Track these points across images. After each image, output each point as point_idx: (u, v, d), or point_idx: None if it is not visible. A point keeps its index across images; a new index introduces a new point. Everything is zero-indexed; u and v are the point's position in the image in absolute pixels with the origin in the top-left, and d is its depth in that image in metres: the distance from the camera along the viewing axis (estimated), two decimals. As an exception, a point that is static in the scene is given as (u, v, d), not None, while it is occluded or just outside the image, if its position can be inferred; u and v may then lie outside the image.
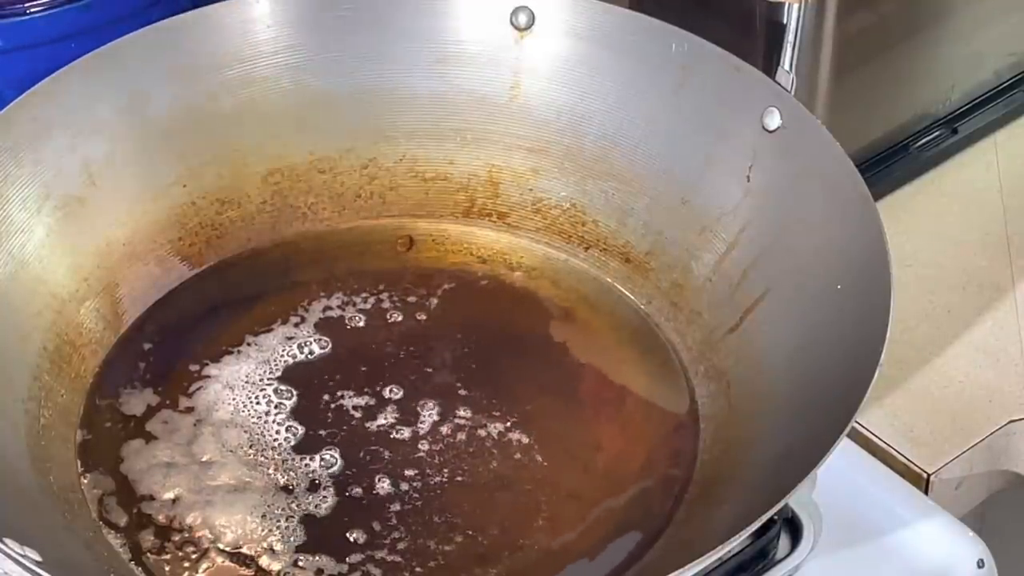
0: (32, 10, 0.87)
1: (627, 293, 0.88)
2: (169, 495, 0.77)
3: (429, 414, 0.80)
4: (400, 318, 0.86)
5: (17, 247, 0.81)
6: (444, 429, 0.80)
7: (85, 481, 0.77)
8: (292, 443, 0.79)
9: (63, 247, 0.83)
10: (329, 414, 0.80)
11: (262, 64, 0.89)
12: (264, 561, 0.74)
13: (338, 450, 0.78)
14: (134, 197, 0.86)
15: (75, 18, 0.88)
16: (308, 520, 0.76)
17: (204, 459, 0.78)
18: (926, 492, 0.86)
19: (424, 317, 0.86)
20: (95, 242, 0.84)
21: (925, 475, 0.86)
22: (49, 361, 0.80)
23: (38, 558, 0.66)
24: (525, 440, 0.80)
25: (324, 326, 0.85)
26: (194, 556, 0.74)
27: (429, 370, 0.83)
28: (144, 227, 0.86)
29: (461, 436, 0.80)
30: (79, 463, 0.78)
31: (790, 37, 0.83)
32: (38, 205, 0.82)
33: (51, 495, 0.75)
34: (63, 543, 0.72)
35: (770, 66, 0.84)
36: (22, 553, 0.65)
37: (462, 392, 0.82)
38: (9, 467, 0.74)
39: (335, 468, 0.78)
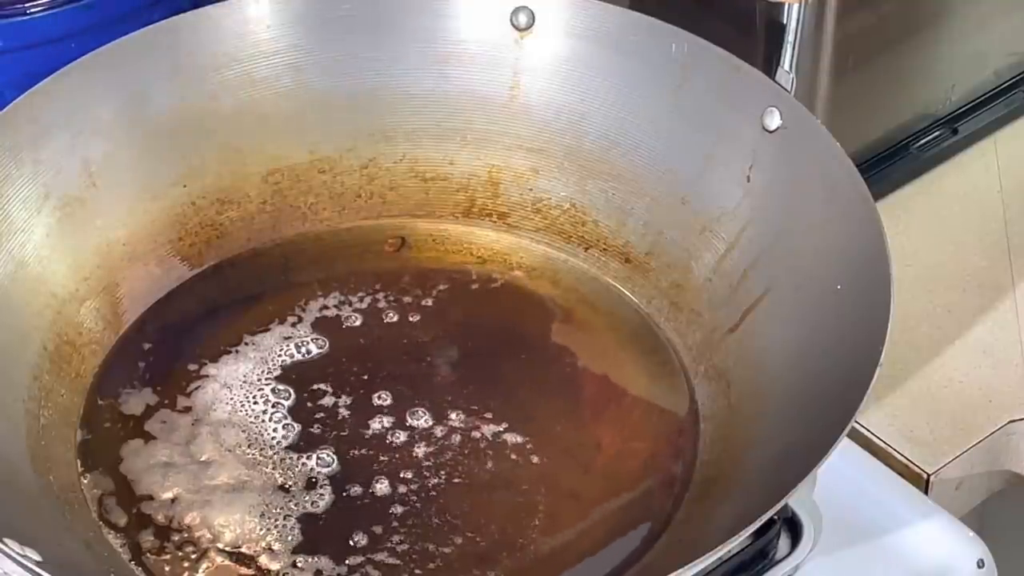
0: (32, 10, 0.87)
1: (627, 293, 0.88)
2: (168, 495, 0.77)
3: (427, 415, 0.80)
4: (398, 318, 0.86)
5: (17, 247, 0.81)
6: (442, 430, 0.80)
7: (85, 481, 0.77)
8: (289, 442, 0.79)
9: (63, 247, 0.83)
10: (326, 414, 0.80)
11: (262, 64, 0.89)
12: (263, 561, 0.74)
13: (335, 449, 0.78)
14: (134, 197, 0.86)
15: (75, 18, 0.88)
16: (306, 520, 0.76)
17: (203, 459, 0.78)
18: (926, 492, 0.86)
19: (423, 317, 0.86)
20: (95, 242, 0.84)
21: (925, 475, 0.86)
22: (49, 361, 0.80)
23: (38, 558, 0.66)
24: (524, 441, 0.80)
25: (321, 326, 0.85)
26: (194, 556, 0.74)
27: (427, 370, 0.83)
28: (144, 227, 0.86)
29: (460, 437, 0.80)
30: (79, 463, 0.78)
31: (790, 37, 0.83)
32: (38, 205, 0.82)
33: (51, 495, 0.75)
34: (63, 543, 0.72)
35: (770, 66, 0.84)
36: (22, 553, 0.65)
37: (460, 392, 0.82)
38: (9, 467, 0.74)
39: (332, 468, 0.78)
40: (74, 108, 0.83)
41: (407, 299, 0.87)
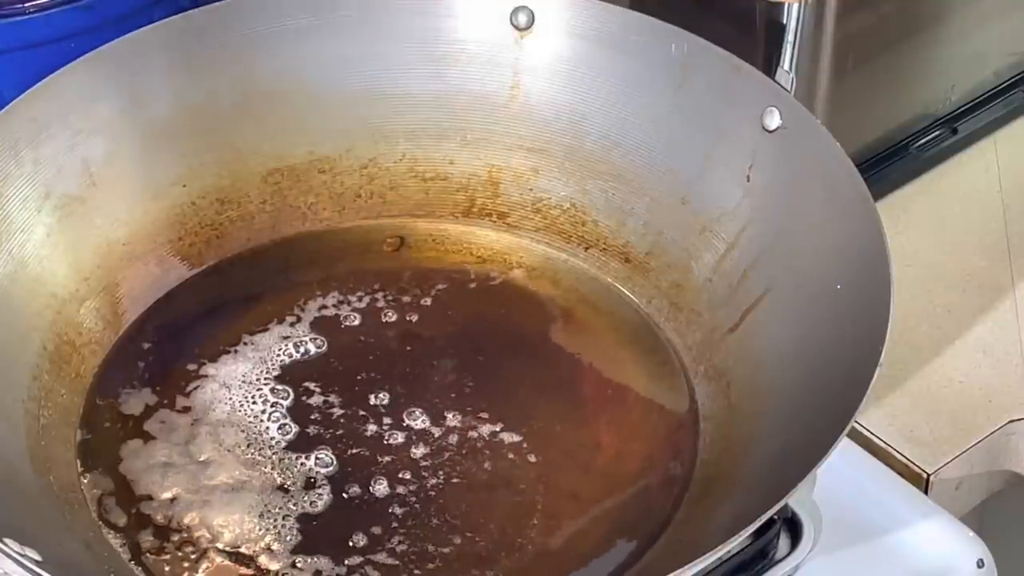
0: (32, 10, 0.87)
1: (627, 293, 0.88)
2: (167, 495, 0.77)
3: (426, 415, 0.80)
4: (397, 318, 0.86)
5: (17, 247, 0.81)
6: (441, 430, 0.80)
7: (85, 481, 0.77)
8: (288, 442, 0.79)
9: (63, 247, 0.83)
10: (325, 414, 0.80)
11: (262, 64, 0.89)
12: (262, 561, 0.74)
13: (334, 449, 0.78)
14: (134, 197, 0.86)
15: (75, 18, 0.88)
16: (305, 520, 0.76)
17: (202, 459, 0.78)
18: (926, 492, 0.86)
19: (422, 317, 0.86)
20: (95, 242, 0.84)
21: (925, 475, 0.86)
22: (49, 361, 0.80)
23: (38, 558, 0.66)
24: (524, 441, 0.80)
25: (320, 325, 0.85)
26: (193, 556, 0.74)
27: (426, 370, 0.83)
28: (144, 227, 0.86)
29: (458, 437, 0.80)
30: (79, 463, 0.78)
31: (790, 37, 0.83)
32: (38, 205, 0.82)
33: (51, 495, 0.75)
34: (63, 543, 0.72)
35: (770, 66, 0.84)
36: (22, 553, 0.65)
37: (460, 392, 0.82)
38: (9, 467, 0.74)
39: (331, 468, 0.78)
40: (74, 107, 0.83)
41: (406, 299, 0.87)
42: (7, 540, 0.65)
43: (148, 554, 0.74)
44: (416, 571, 0.74)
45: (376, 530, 0.75)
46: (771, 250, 0.82)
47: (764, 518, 0.68)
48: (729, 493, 0.76)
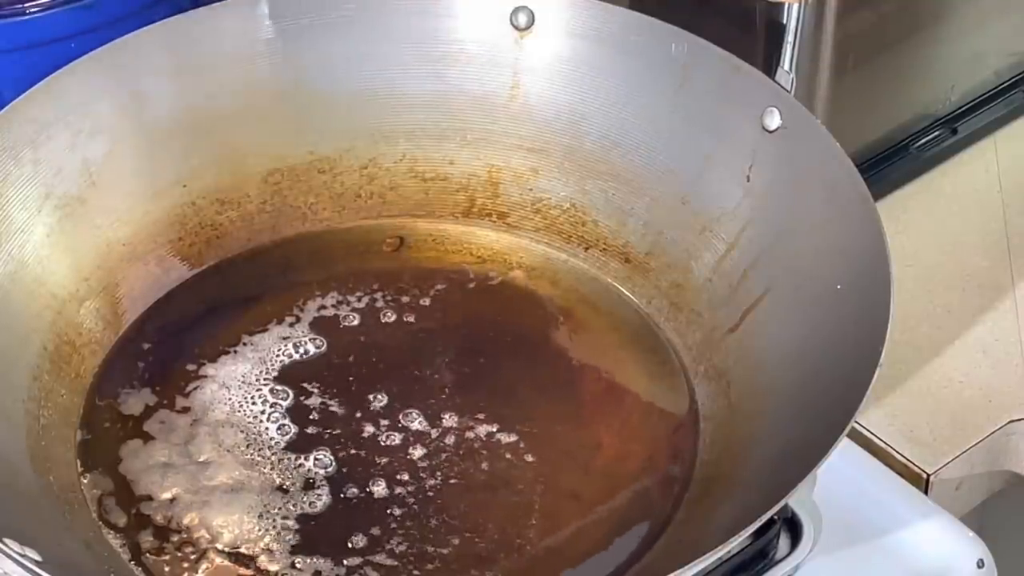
0: (32, 10, 0.87)
1: (627, 293, 0.88)
2: (167, 495, 0.77)
3: (425, 415, 0.80)
4: (397, 318, 0.86)
5: (17, 247, 0.81)
6: (440, 430, 0.80)
7: (85, 481, 0.77)
8: (287, 443, 0.79)
9: (63, 247, 0.83)
10: (324, 414, 0.80)
11: (262, 64, 0.89)
12: (262, 561, 0.74)
13: (333, 450, 0.78)
14: (134, 197, 0.86)
15: (75, 18, 0.88)
16: (304, 521, 0.76)
17: (201, 459, 0.78)
18: (926, 492, 0.86)
19: (422, 317, 0.86)
20: (95, 242, 0.84)
21: (925, 475, 0.86)
22: (49, 361, 0.80)
23: (38, 558, 0.66)
24: (523, 441, 0.80)
25: (319, 326, 0.85)
26: (193, 557, 0.74)
27: (425, 371, 0.83)
28: (144, 227, 0.86)
29: (458, 437, 0.80)
30: (79, 463, 0.78)
31: (790, 37, 0.83)
32: (38, 205, 0.82)
33: (51, 495, 0.75)
34: (63, 543, 0.72)
35: (770, 66, 0.84)
36: (22, 553, 0.65)
37: (459, 393, 0.82)
38: (9, 467, 0.74)
39: (330, 469, 0.78)
40: (74, 107, 0.83)
41: (405, 299, 0.87)
42: (7, 540, 0.65)
43: (148, 554, 0.74)
44: (415, 572, 0.74)
45: (375, 531, 0.75)
46: (771, 250, 0.82)
47: (764, 518, 0.68)
48: (729, 493, 0.76)
